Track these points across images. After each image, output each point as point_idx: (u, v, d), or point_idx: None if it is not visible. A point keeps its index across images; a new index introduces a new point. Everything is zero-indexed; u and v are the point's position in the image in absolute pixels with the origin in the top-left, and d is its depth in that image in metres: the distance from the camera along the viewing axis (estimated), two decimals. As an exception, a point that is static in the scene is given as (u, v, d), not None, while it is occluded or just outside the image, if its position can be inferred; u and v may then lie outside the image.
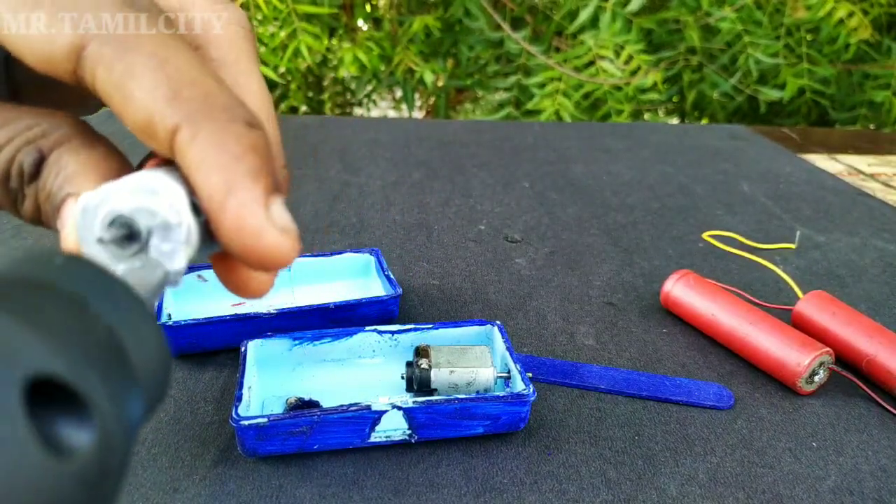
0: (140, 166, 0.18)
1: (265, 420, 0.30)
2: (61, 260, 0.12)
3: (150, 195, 0.15)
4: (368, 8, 1.56)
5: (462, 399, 0.31)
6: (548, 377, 0.38)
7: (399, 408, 0.31)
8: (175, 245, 0.15)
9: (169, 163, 0.16)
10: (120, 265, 0.15)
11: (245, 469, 0.31)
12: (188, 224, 0.15)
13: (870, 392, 0.38)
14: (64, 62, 0.15)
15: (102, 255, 0.15)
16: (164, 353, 0.13)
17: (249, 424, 0.29)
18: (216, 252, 0.17)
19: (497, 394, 0.32)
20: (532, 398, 0.32)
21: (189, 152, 0.15)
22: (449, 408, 0.31)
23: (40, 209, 0.17)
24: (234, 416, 0.30)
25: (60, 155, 0.17)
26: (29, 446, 0.09)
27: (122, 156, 0.18)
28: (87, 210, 0.15)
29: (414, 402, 0.31)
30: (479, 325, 0.37)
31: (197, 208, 0.15)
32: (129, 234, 0.15)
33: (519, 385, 0.33)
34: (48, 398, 0.10)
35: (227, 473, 0.31)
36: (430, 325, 0.37)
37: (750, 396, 0.38)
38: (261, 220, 0.15)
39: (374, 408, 0.31)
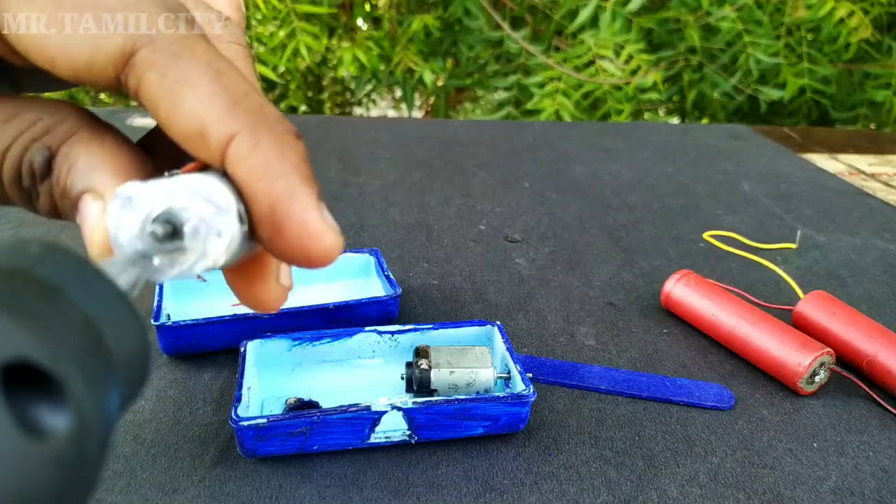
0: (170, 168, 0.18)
1: (264, 421, 0.30)
2: (37, 249, 0.12)
3: (205, 199, 0.15)
4: (368, 7, 1.56)
5: (462, 400, 0.31)
6: (548, 378, 0.38)
7: (399, 408, 0.31)
8: (216, 249, 0.16)
9: (206, 167, 0.16)
10: (155, 258, 0.15)
11: (245, 469, 0.31)
12: (233, 232, 0.16)
13: (871, 392, 0.38)
14: (109, 68, 0.15)
15: (138, 245, 0.15)
16: (143, 343, 0.13)
17: (249, 425, 0.29)
18: (236, 263, 0.18)
19: (497, 394, 0.32)
20: (532, 399, 0.32)
21: (250, 160, 0.15)
22: (449, 408, 0.31)
23: (56, 205, 0.17)
24: (233, 416, 0.30)
25: (70, 149, 0.17)
26: (4, 427, 0.10)
27: (131, 144, 0.18)
28: (131, 202, 0.15)
29: (414, 403, 0.31)
30: (479, 325, 0.37)
31: (241, 218, 0.16)
32: (172, 232, 0.15)
33: (519, 386, 0.33)
34: (25, 383, 0.11)
35: (227, 474, 0.30)
36: (430, 326, 0.37)
37: (750, 397, 0.37)
38: (321, 223, 0.16)
39: (373, 408, 0.31)
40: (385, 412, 0.31)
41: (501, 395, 0.32)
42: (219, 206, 0.15)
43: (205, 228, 0.15)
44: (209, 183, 0.15)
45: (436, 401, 0.31)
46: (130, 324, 0.13)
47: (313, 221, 0.15)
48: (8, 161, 0.16)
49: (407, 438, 0.32)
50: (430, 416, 0.31)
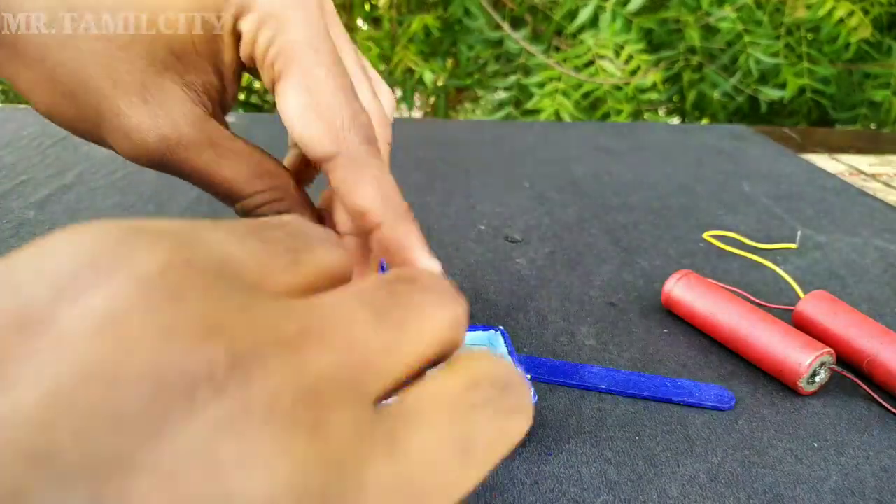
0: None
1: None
2: None
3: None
4: (367, 7, 1.56)
5: (462, 400, 0.31)
6: (548, 378, 0.38)
7: (399, 408, 0.31)
8: None
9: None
10: None
11: (244, 470, 0.31)
12: None
13: (871, 392, 0.38)
14: (318, 158, 0.24)
15: None
16: None
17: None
18: None
19: (497, 394, 0.32)
20: (532, 399, 0.32)
21: (391, 236, 0.24)
22: (449, 408, 0.31)
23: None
24: (233, 416, 0.30)
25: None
26: None
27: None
28: None
29: (414, 403, 0.31)
30: (483, 330, 0.37)
31: None
32: None
33: (519, 385, 0.33)
34: None
35: (227, 474, 0.30)
36: (430, 326, 0.37)
37: (751, 397, 0.37)
38: (431, 262, 0.24)
39: (373, 408, 0.30)
40: (385, 412, 0.31)
41: (502, 395, 0.32)
42: None
43: None
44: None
45: (436, 401, 0.31)
46: None
47: (428, 265, 0.24)
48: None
49: (407, 438, 0.32)
50: (431, 416, 0.31)
